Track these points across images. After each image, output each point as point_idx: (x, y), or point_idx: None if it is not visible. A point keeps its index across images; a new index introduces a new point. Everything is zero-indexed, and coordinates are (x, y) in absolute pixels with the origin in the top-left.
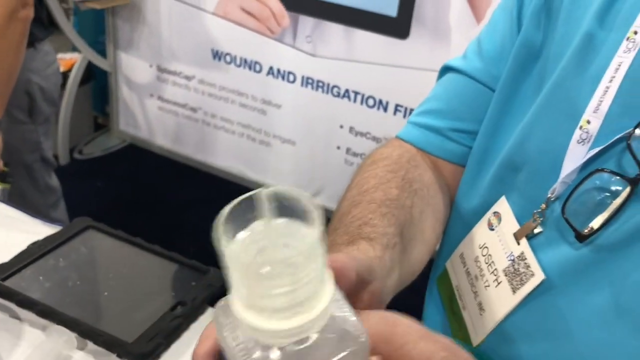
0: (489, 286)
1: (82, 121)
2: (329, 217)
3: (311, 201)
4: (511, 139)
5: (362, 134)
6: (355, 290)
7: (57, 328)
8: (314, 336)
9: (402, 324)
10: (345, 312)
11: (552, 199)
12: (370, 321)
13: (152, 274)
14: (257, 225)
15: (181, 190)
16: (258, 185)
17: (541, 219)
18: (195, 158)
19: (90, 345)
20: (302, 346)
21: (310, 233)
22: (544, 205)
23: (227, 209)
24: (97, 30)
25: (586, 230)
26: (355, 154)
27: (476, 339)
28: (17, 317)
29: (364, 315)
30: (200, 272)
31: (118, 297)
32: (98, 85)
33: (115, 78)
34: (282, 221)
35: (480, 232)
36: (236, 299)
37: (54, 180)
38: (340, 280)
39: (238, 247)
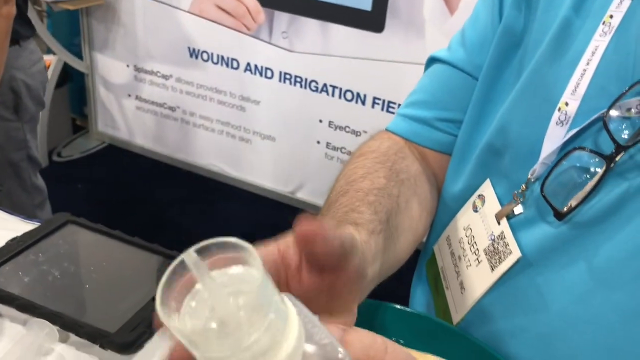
0: (470, 265)
1: (60, 123)
2: (311, 212)
3: (239, 240)
4: (493, 124)
5: (341, 128)
6: (338, 262)
7: (37, 321)
8: None
9: (394, 351)
10: (323, 338)
11: (532, 180)
12: (359, 342)
13: (133, 266)
14: (198, 287)
15: (162, 189)
16: (239, 182)
17: (521, 199)
18: (175, 157)
19: (73, 337)
20: None
21: (253, 272)
22: (524, 186)
23: (161, 285)
24: (71, 32)
25: (565, 209)
26: (335, 148)
27: (456, 317)
28: None
29: (353, 334)
30: None
31: (99, 290)
32: (75, 87)
33: (92, 79)
34: (221, 272)
35: (465, 215)
36: None
37: (40, 180)
38: (324, 245)
39: (184, 319)
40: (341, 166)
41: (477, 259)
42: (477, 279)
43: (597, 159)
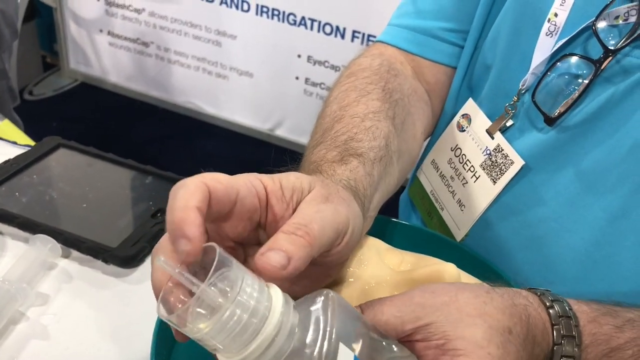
0: (466, 183)
1: (30, 61)
2: (291, 149)
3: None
4: (485, 39)
5: (320, 63)
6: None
7: (40, 237)
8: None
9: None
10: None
11: (522, 91)
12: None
13: (129, 186)
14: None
15: (138, 128)
16: (217, 119)
17: (513, 111)
18: (151, 94)
19: (75, 253)
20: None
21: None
22: (515, 98)
23: (158, 302)
24: None
25: (555, 114)
26: (314, 84)
27: (460, 234)
28: None
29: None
30: (176, 182)
31: (97, 208)
32: (44, 23)
33: (61, 14)
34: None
35: (450, 136)
36: (218, 355)
37: (16, 115)
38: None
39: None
40: (320, 102)
41: (474, 175)
42: (478, 194)
43: (585, 65)
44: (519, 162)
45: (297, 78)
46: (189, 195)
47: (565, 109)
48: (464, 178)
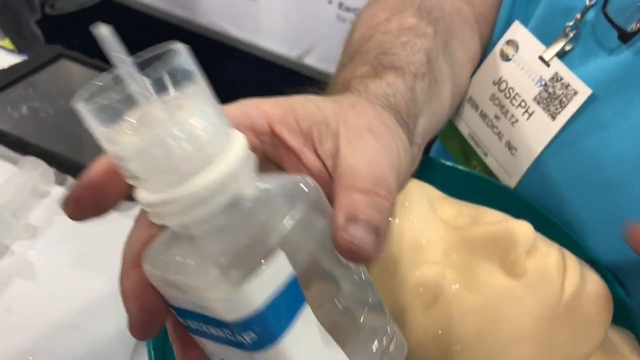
0: (517, 121)
1: None
2: (320, 79)
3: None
4: None
5: None
6: None
7: (31, 159)
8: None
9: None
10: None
11: (588, 7)
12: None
13: None
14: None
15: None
16: (243, 43)
17: (574, 31)
18: (174, 13)
19: (70, 180)
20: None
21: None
22: (578, 15)
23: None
24: None
25: (632, 27)
26: (348, 9)
27: (511, 182)
28: None
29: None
30: None
31: None
32: None
33: None
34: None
35: (491, 68)
36: (140, 191)
37: (37, 28)
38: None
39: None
40: None
41: (527, 111)
42: (533, 133)
43: None
44: (584, 92)
45: (329, 2)
46: None
47: None
48: (512, 116)
